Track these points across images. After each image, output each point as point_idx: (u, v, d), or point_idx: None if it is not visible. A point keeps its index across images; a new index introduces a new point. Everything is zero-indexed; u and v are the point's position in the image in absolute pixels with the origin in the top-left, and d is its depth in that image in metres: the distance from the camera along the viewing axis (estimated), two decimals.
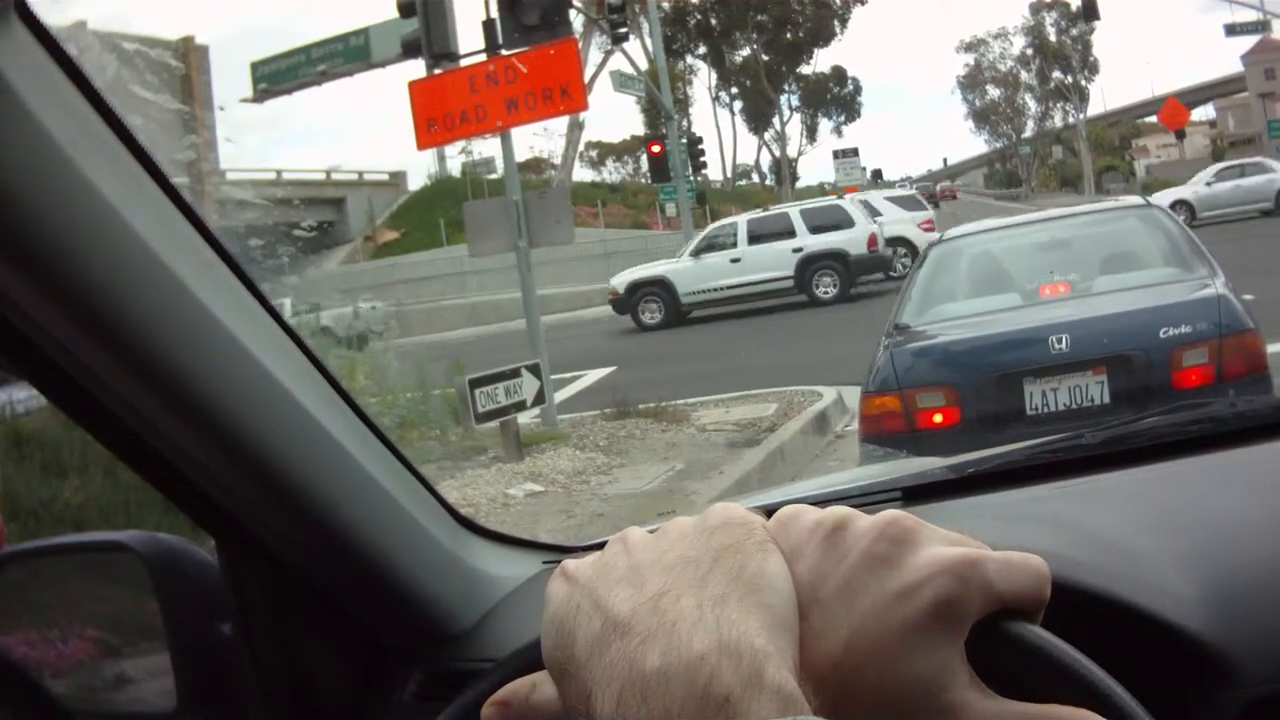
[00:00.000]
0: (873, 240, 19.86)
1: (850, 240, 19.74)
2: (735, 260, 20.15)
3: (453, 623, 1.08)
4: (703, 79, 68.42)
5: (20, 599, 1.30)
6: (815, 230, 19.88)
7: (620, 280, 21.11)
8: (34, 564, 1.31)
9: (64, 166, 0.69)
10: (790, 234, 20.09)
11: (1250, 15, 37.46)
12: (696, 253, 20.73)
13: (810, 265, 19.88)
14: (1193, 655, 0.75)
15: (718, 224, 20.23)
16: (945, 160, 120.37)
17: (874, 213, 22.32)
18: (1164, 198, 27.39)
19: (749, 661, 0.47)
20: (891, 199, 25.10)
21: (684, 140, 32.62)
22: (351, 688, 1.08)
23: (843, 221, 20.02)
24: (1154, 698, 0.57)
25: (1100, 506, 0.96)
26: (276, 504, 0.92)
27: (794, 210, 21.12)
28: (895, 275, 22.03)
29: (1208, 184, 28.38)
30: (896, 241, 22.54)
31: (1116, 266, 5.68)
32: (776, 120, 65.95)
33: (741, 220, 20.90)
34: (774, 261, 19.99)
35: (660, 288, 20.31)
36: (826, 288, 19.87)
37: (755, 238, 20.28)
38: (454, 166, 44.68)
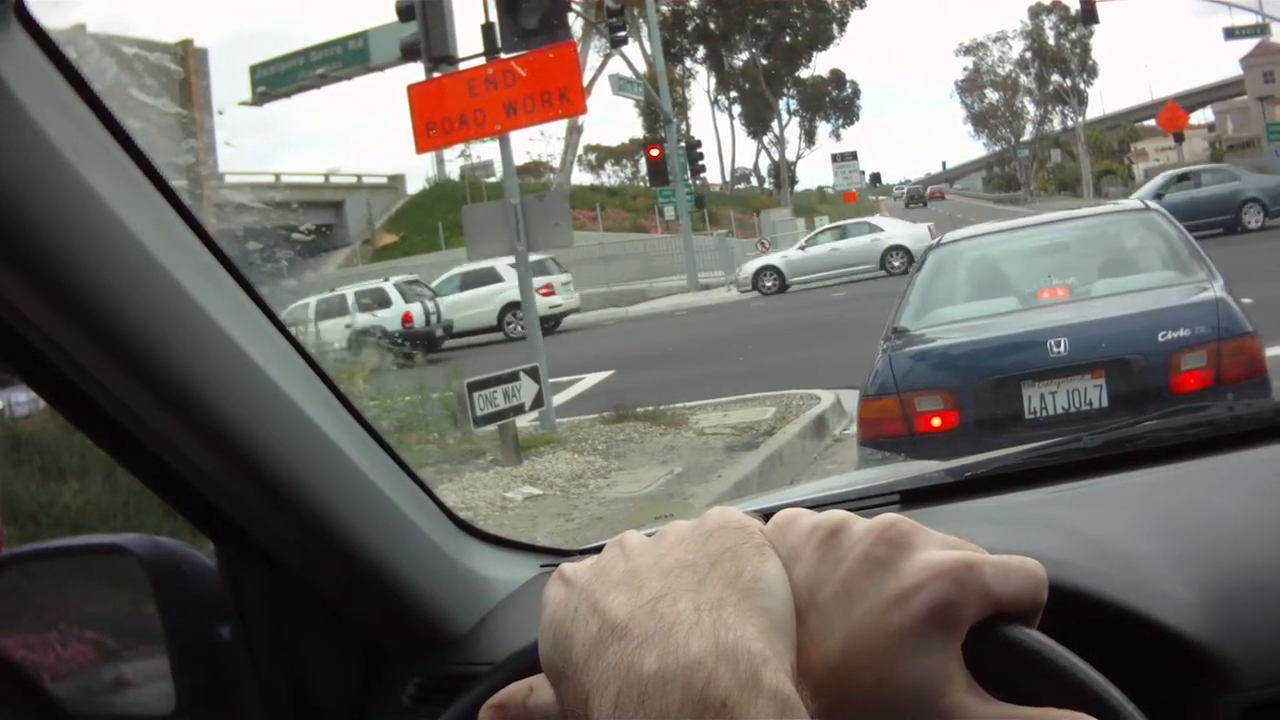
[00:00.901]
0: (407, 317, 23.20)
1: (388, 319, 22.76)
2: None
3: (451, 626, 1.08)
4: (701, 82, 68.47)
5: (20, 601, 1.30)
6: (363, 310, 22.71)
7: None
8: (33, 567, 1.31)
9: (63, 170, 0.69)
10: (345, 313, 22.78)
11: (1249, 19, 37.48)
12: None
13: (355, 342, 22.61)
14: (1191, 659, 0.75)
15: (293, 305, 23.07)
16: (944, 164, 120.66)
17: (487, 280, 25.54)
18: (750, 267, 27.11)
19: (746, 665, 0.47)
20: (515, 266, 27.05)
21: (683, 144, 32.70)
22: (350, 691, 1.08)
23: (384, 301, 23.61)
24: (1152, 702, 0.56)
25: (1098, 510, 0.96)
26: (275, 507, 0.92)
27: (349, 291, 24.26)
28: (515, 337, 24.79)
29: (800, 248, 27.30)
30: (515, 306, 25.54)
31: (1115, 270, 5.66)
32: (775, 124, 66.06)
33: (312, 301, 23.56)
34: (330, 338, 22.63)
35: None
36: None
37: (320, 316, 23.19)
38: (453, 170, 44.87)
